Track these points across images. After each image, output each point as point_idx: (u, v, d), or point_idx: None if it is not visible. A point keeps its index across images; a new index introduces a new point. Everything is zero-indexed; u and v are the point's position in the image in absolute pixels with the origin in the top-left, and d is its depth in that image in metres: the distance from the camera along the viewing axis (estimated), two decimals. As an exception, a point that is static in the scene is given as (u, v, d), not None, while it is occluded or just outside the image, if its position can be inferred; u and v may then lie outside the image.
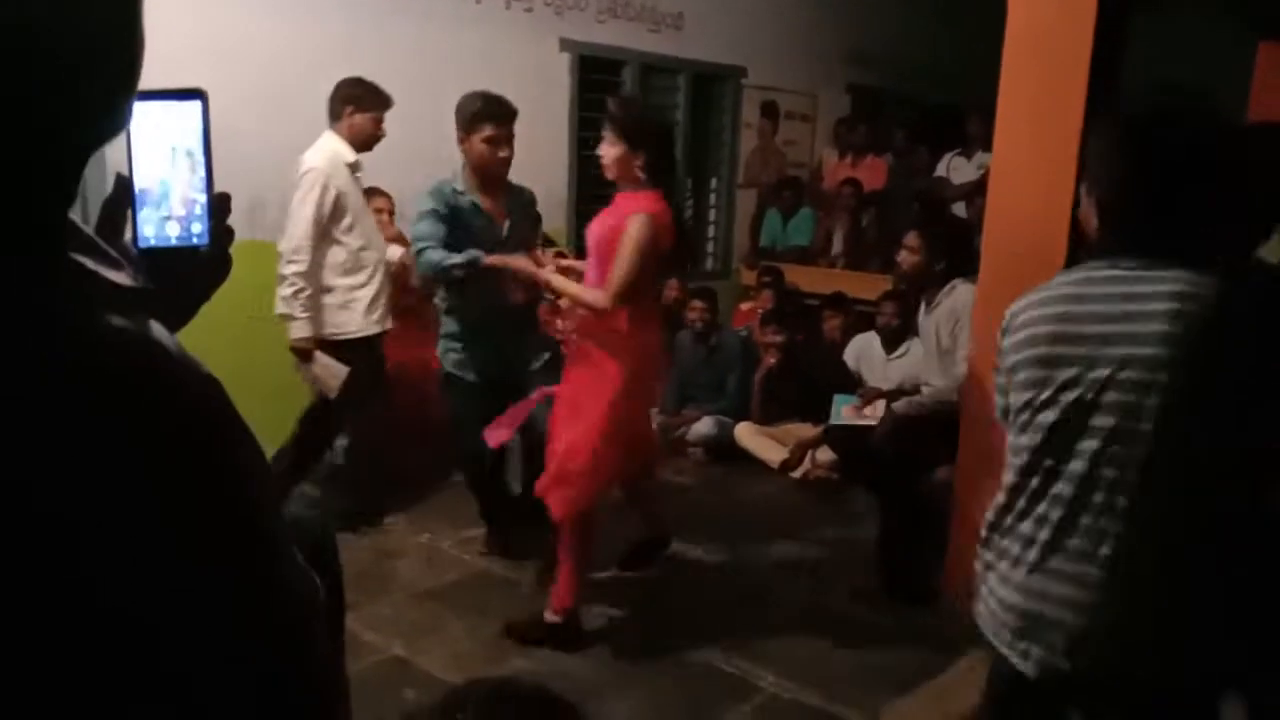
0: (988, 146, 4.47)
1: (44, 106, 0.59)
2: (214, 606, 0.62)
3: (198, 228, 0.84)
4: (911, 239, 3.39)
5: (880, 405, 3.85)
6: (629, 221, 2.74)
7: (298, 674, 0.69)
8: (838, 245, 6.32)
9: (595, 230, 2.87)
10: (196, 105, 0.82)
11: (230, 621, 0.64)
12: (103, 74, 0.63)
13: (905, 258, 3.41)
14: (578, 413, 2.82)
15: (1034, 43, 2.86)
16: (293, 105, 4.19)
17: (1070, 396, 1.42)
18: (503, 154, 3.30)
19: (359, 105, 3.61)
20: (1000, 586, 1.52)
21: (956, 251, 3.40)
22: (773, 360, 4.90)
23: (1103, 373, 1.39)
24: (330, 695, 0.75)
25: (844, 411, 4.03)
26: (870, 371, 4.47)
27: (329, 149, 3.56)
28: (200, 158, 0.83)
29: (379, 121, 3.68)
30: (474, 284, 3.20)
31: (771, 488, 4.42)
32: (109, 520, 0.57)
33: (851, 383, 4.50)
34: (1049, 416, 1.44)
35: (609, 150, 2.82)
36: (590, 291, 2.83)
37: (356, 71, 4.48)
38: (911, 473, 3.35)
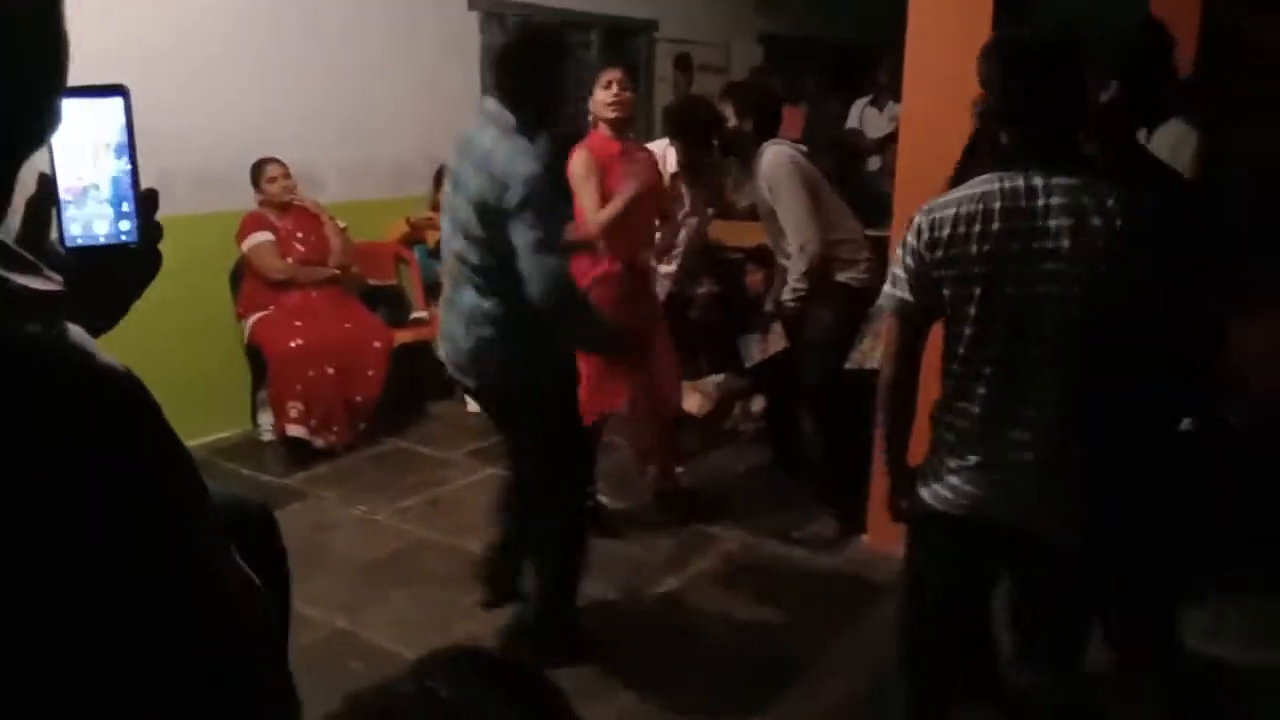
0: (898, 95, 4.55)
1: None
2: (137, 609, 0.62)
3: (126, 225, 0.83)
4: (726, 109, 3.51)
5: (778, 329, 3.89)
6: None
7: (231, 664, 0.68)
8: (752, 197, 6.37)
9: (634, 173, 3.16)
10: (119, 102, 0.80)
11: (156, 616, 0.63)
12: (26, 76, 0.62)
13: (722, 129, 3.55)
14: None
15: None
16: (202, 74, 4.07)
17: (998, 297, 1.62)
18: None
19: None
20: (951, 457, 1.73)
21: (763, 112, 3.48)
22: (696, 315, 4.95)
23: (1026, 275, 1.60)
24: (270, 684, 0.74)
25: (753, 352, 4.08)
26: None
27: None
28: (125, 154, 0.82)
29: None
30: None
31: (696, 438, 4.49)
32: (26, 521, 0.56)
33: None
34: (982, 313, 1.64)
35: (626, 95, 3.18)
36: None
37: (265, 35, 4.37)
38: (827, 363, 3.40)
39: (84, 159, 0.81)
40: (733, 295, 5.03)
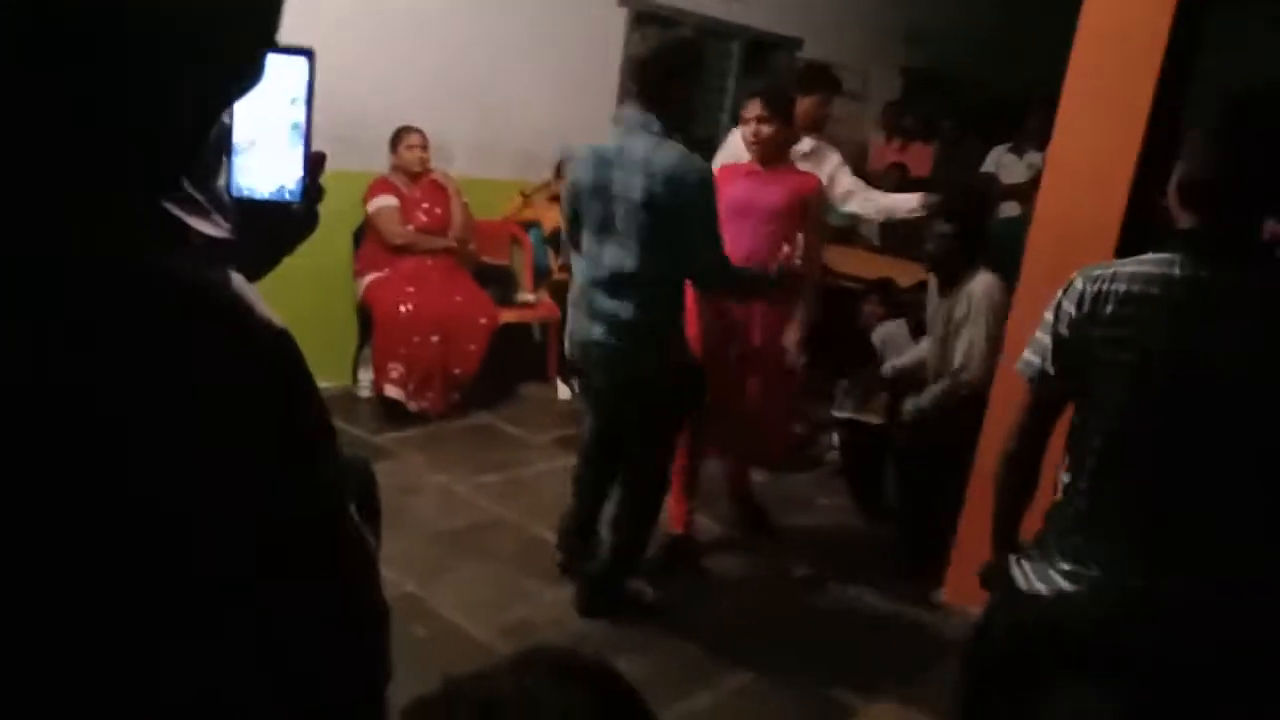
0: (1041, 145, 4.41)
1: (180, 66, 0.61)
2: (277, 553, 0.65)
3: (291, 183, 0.84)
4: (946, 226, 3.38)
5: (880, 403, 3.85)
6: (817, 192, 3.28)
7: (355, 618, 0.72)
8: (873, 228, 6.26)
9: (763, 193, 3.14)
10: (304, 63, 0.82)
11: (292, 567, 0.66)
12: (255, 28, 0.65)
13: (939, 243, 3.42)
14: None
15: (1106, 42, 2.79)
16: (354, 34, 4.21)
17: (1150, 393, 1.46)
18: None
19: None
20: (1056, 551, 1.56)
21: (975, 223, 3.45)
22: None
23: (1187, 377, 1.43)
24: (379, 644, 0.77)
25: (845, 405, 4.01)
26: (895, 358, 4.47)
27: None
28: (302, 114, 0.84)
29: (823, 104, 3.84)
30: None
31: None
32: (170, 450, 0.59)
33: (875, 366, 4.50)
34: (1127, 408, 1.48)
35: (766, 131, 3.09)
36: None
37: (418, 6, 4.48)
38: (932, 469, 3.36)
39: (261, 113, 0.82)
40: (841, 328, 4.94)
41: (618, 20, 5.36)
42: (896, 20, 6.99)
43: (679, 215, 2.49)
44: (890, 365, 3.89)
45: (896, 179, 6.14)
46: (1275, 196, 1.43)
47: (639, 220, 2.50)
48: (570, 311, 2.83)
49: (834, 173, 3.88)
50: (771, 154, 3.18)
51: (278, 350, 0.65)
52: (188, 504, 0.60)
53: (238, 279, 0.65)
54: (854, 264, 5.09)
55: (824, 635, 2.99)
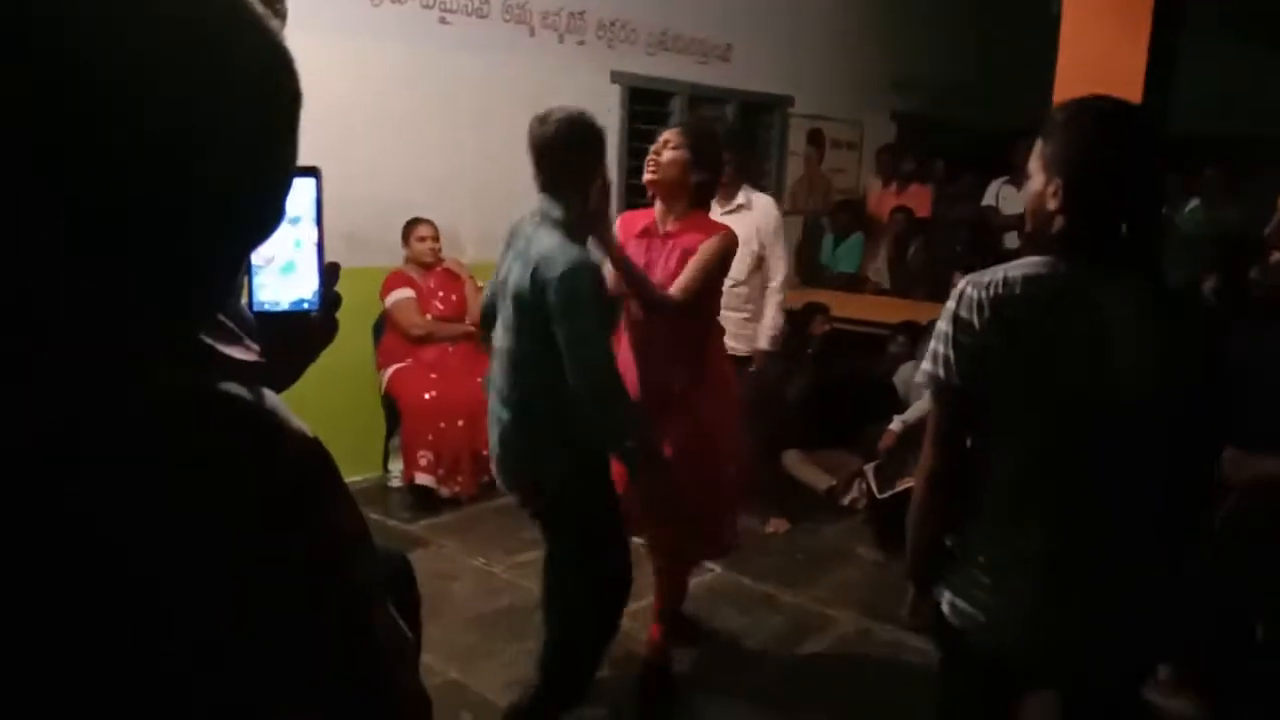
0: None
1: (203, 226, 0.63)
2: (304, 661, 0.64)
3: (308, 293, 0.90)
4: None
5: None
6: (712, 238, 2.63)
7: (397, 715, 0.71)
8: (881, 272, 6.33)
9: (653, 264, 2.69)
10: (312, 181, 0.89)
11: (319, 675, 0.66)
12: (282, 181, 0.68)
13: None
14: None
15: (1085, 74, 2.87)
16: (356, 138, 4.35)
17: (1042, 396, 1.48)
18: None
19: None
20: (971, 569, 1.57)
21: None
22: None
23: (1073, 379, 1.46)
24: None
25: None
26: (917, 398, 4.47)
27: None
28: (313, 228, 0.90)
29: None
30: None
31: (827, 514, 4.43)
32: (200, 578, 0.59)
33: (898, 408, 4.51)
34: (1019, 412, 1.50)
35: (672, 155, 2.65)
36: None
37: (415, 102, 4.62)
38: None
39: (277, 232, 0.90)
40: (860, 374, 4.96)
41: (612, 97, 5.52)
42: (883, 70, 7.15)
43: (542, 305, 2.24)
44: (900, 421, 3.89)
45: (903, 223, 6.23)
46: (1134, 200, 1.49)
47: (512, 310, 2.35)
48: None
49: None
50: (668, 187, 2.68)
51: (310, 460, 0.67)
52: (222, 615, 0.60)
53: (270, 395, 0.69)
54: (867, 309, 5.12)
55: (871, 687, 2.95)
